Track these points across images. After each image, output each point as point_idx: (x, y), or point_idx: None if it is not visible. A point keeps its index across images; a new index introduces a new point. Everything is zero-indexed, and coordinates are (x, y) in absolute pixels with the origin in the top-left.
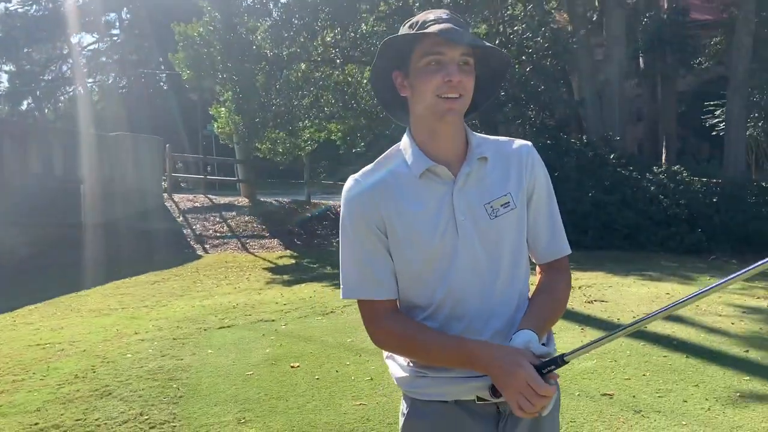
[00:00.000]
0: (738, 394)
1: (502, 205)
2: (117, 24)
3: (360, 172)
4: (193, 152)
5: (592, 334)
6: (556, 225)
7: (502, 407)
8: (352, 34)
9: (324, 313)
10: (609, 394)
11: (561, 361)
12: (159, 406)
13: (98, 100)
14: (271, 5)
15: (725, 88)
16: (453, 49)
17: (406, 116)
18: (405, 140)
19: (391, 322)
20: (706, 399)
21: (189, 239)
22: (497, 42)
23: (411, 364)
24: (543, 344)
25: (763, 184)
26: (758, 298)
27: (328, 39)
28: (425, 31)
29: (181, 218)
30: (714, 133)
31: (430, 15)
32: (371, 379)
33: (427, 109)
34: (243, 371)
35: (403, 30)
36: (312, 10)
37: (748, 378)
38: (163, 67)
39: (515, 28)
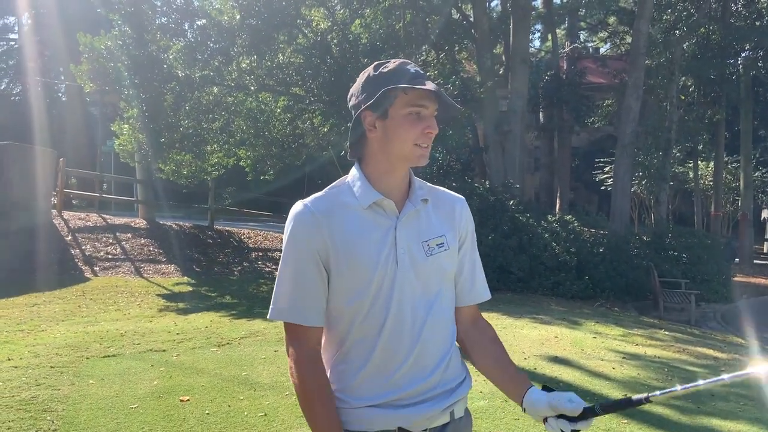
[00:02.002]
0: None
1: (437, 245)
2: (16, 29)
3: (309, 198)
4: (89, 168)
5: None
6: (480, 272)
7: None
8: (269, 63)
9: (219, 344)
10: None
11: (598, 410)
12: None
13: None
14: (186, 26)
15: (614, 147)
16: (433, 104)
17: (357, 150)
18: (354, 173)
19: (312, 361)
20: None
21: (77, 260)
22: None
23: (336, 395)
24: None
25: (644, 238)
26: (637, 345)
27: (244, 65)
28: (423, 87)
29: (69, 237)
30: (603, 187)
31: (410, 67)
32: (265, 414)
33: (402, 154)
34: (127, 404)
35: (378, 72)
36: (229, 35)
37: (626, 422)
38: (63, 78)
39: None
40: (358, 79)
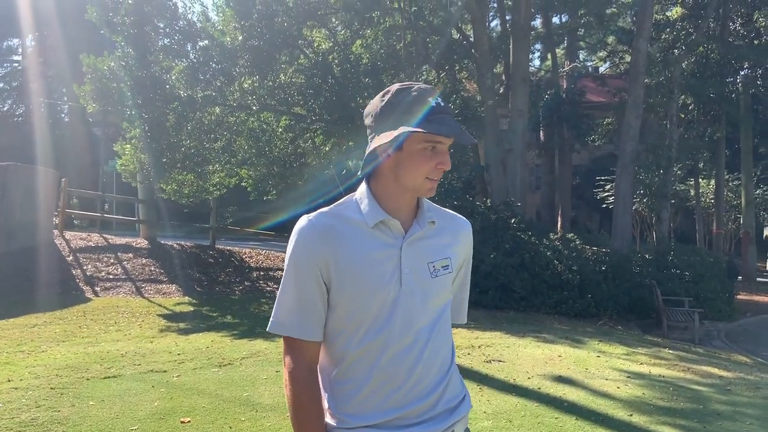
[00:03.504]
0: None
1: (442, 267)
2: (20, 50)
3: (315, 213)
4: (92, 188)
5: (490, 393)
6: (467, 296)
7: None
8: (270, 83)
9: (221, 364)
10: None
11: None
12: None
13: None
14: (189, 47)
15: (615, 165)
16: (449, 139)
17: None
18: (362, 191)
19: (308, 375)
20: None
21: (78, 280)
22: None
23: (335, 417)
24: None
25: (647, 255)
26: (641, 364)
27: (246, 85)
28: (441, 136)
29: (71, 257)
30: (604, 205)
31: (430, 98)
32: None
33: (411, 186)
34: (127, 426)
35: (397, 99)
36: (231, 56)
37: None
38: (66, 99)
39: None
40: (378, 97)
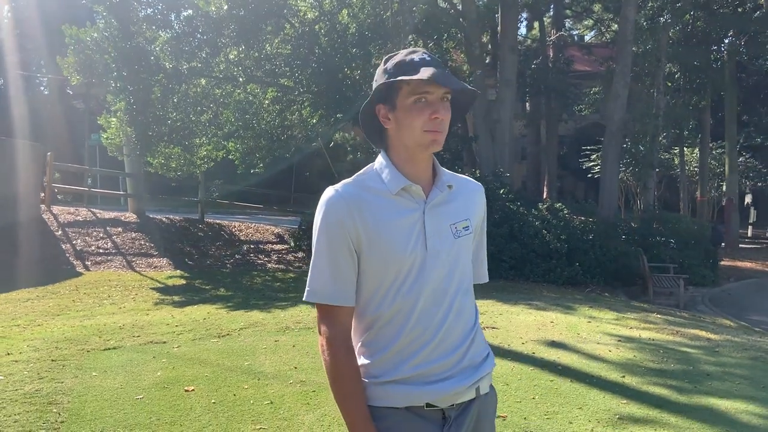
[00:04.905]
0: (617, 416)
1: (463, 228)
2: None
3: (340, 184)
4: (73, 162)
5: None
6: (485, 257)
7: (448, 412)
8: (256, 54)
9: (220, 335)
10: (502, 417)
11: None
12: None
13: None
14: (173, 17)
15: (601, 135)
16: (439, 89)
17: (381, 141)
18: (381, 161)
19: (344, 340)
20: (589, 421)
21: (68, 255)
22: None
23: (365, 372)
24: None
25: (632, 224)
26: (631, 328)
27: (232, 56)
28: (419, 77)
29: (59, 232)
30: (590, 175)
31: (414, 56)
32: (271, 402)
33: (414, 142)
34: (132, 395)
35: (386, 65)
36: (216, 26)
37: (625, 402)
38: (44, 71)
39: None
40: (379, 69)
